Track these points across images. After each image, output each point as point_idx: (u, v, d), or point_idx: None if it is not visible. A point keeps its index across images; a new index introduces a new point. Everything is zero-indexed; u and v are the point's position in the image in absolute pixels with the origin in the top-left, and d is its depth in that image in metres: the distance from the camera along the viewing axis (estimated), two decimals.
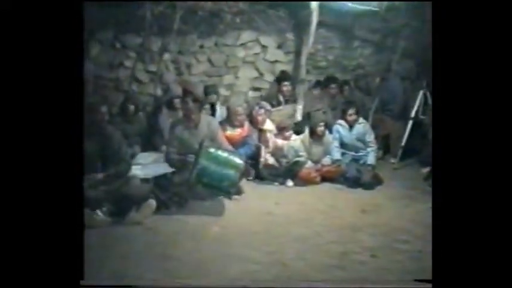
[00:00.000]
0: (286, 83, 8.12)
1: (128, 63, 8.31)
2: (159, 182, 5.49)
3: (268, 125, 6.97)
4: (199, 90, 7.75)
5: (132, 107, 6.69)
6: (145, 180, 5.38)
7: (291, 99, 8.13)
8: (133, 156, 5.83)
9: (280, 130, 6.78)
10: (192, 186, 5.24)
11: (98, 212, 4.72)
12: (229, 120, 6.75)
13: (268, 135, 6.79)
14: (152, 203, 4.86)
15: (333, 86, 8.45)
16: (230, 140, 6.20)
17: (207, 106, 7.14)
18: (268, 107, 7.31)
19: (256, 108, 7.13)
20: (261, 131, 6.85)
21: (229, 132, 6.54)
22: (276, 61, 9.29)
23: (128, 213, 4.78)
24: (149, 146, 6.59)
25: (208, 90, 7.82)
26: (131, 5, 8.13)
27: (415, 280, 3.57)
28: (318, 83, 8.83)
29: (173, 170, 5.61)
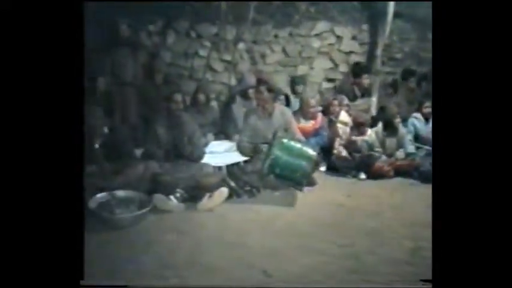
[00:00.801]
0: (365, 75, 7.94)
1: (202, 52, 8.39)
2: (231, 171, 5.53)
3: (343, 117, 6.86)
4: (272, 80, 7.72)
5: (203, 96, 6.73)
6: (218, 168, 5.43)
7: (367, 93, 7.97)
8: (206, 144, 5.89)
9: (356, 124, 6.65)
10: (264, 176, 5.22)
11: (171, 197, 4.79)
12: (302, 112, 6.69)
13: (343, 127, 6.68)
14: (224, 191, 4.90)
15: (412, 79, 8.21)
16: (303, 131, 6.16)
17: (282, 97, 7.10)
18: (346, 101, 7.20)
19: (333, 101, 7.03)
20: (335, 123, 6.74)
21: (302, 123, 6.48)
22: (351, 52, 9.15)
23: (200, 200, 4.83)
24: (222, 134, 6.63)
25: (296, 80, 7.77)
26: None
27: (421, 280, 3.47)
28: (394, 75, 8.64)
29: (245, 159, 5.63)
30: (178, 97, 5.28)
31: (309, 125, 6.53)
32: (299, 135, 5.78)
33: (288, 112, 6.12)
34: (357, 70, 8.12)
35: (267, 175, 5.19)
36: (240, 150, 5.69)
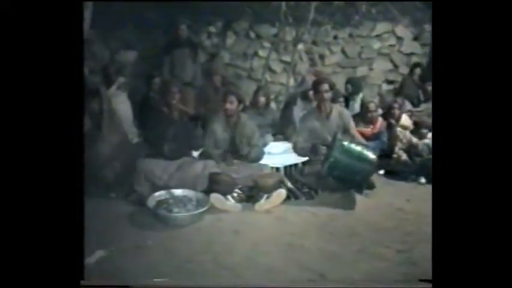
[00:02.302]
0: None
1: (262, 53, 8.41)
2: (289, 172, 5.51)
3: (404, 121, 6.71)
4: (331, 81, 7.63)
5: (263, 98, 6.71)
6: (275, 169, 5.41)
7: (430, 97, 7.77)
8: (265, 145, 5.87)
9: (418, 129, 6.48)
10: (323, 178, 5.16)
11: (229, 197, 4.81)
12: (362, 115, 6.57)
13: (403, 131, 6.53)
14: (282, 192, 4.86)
15: None
16: (362, 135, 6.05)
17: (341, 99, 7.01)
18: (409, 106, 7.04)
19: (394, 105, 6.89)
20: (395, 127, 6.60)
21: (362, 127, 6.36)
22: (412, 53, 8.99)
23: (258, 201, 4.82)
24: (280, 135, 6.60)
25: (355, 82, 7.65)
26: None
27: (421, 280, 3.41)
28: None
29: (303, 160, 5.59)
30: (232, 98, 5.27)
31: (368, 129, 6.41)
32: (358, 137, 5.67)
33: (346, 112, 6.02)
34: (426, 75, 7.90)
35: (326, 177, 5.12)
36: (297, 151, 5.64)
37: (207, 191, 4.83)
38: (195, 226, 4.43)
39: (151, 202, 4.61)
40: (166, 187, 4.88)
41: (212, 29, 8.51)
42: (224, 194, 4.78)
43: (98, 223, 4.48)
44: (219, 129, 5.34)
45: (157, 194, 4.75)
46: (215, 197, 4.71)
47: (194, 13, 8.04)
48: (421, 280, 3.39)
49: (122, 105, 6.33)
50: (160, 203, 4.66)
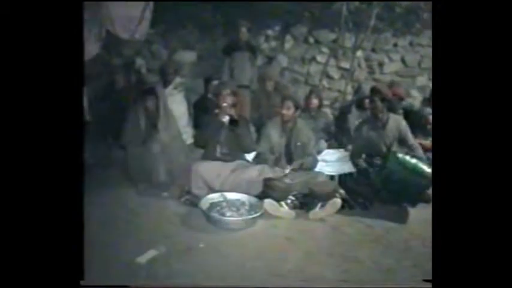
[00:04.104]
0: None
1: (320, 58, 8.33)
2: (344, 181, 5.40)
3: None
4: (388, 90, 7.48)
5: (316, 101, 6.62)
6: (331, 178, 5.32)
7: None
8: (320, 152, 5.79)
9: None
10: (378, 190, 5.05)
11: (283, 203, 4.75)
12: (421, 127, 6.38)
13: None
14: (338, 201, 4.76)
15: None
16: (422, 147, 5.87)
17: (401, 111, 6.83)
18: None
19: None
20: None
21: (421, 139, 6.17)
22: None
23: (312, 209, 4.74)
24: (335, 142, 6.49)
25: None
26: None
27: (424, 280, 3.36)
28: None
29: (358, 170, 5.48)
30: (289, 104, 5.21)
31: (428, 142, 6.22)
32: (416, 148, 5.51)
33: (405, 125, 5.85)
34: None
35: (380, 189, 5.01)
36: (353, 160, 5.53)
37: (261, 196, 4.78)
38: (248, 231, 4.39)
39: (204, 204, 4.60)
40: (220, 190, 4.86)
41: (270, 32, 8.49)
42: (278, 200, 4.72)
43: (151, 222, 4.53)
44: (274, 134, 5.29)
45: (210, 196, 4.74)
46: (269, 203, 4.66)
47: (252, 15, 8.02)
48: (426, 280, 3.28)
49: (178, 105, 6.36)
50: (213, 205, 4.65)
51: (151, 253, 3.90)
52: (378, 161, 5.26)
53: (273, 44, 8.48)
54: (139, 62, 7.38)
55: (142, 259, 3.82)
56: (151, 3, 6.89)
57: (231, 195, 4.79)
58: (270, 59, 8.35)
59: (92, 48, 6.57)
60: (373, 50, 8.57)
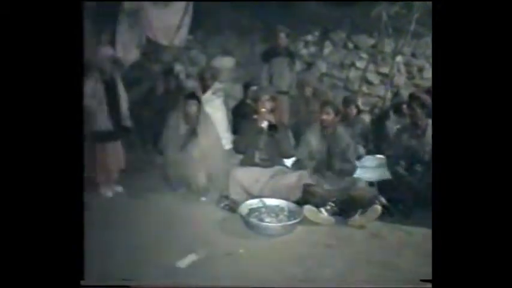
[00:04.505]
0: None
1: (359, 64, 8.26)
2: (384, 188, 5.32)
3: None
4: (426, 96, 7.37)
5: (353, 107, 6.56)
6: (370, 184, 5.25)
7: None
8: (358, 158, 5.73)
9: None
10: (418, 197, 4.95)
11: (322, 210, 4.71)
12: None
13: None
14: (378, 208, 4.69)
15: None
16: None
17: None
18: None
19: None
20: None
21: None
22: None
23: (351, 215, 4.69)
24: (373, 149, 6.43)
25: None
26: (367, 5, 8.05)
27: (421, 280, 3.35)
28: None
29: (398, 177, 5.38)
30: (329, 109, 5.18)
31: None
32: None
33: None
34: None
35: (421, 196, 4.91)
36: (392, 167, 5.44)
37: (300, 202, 4.75)
38: (287, 237, 4.37)
39: (243, 210, 4.60)
40: (259, 196, 4.85)
41: (309, 38, 8.47)
42: (317, 207, 4.69)
43: (190, 227, 4.55)
44: (313, 140, 5.25)
45: (249, 202, 4.74)
46: (308, 209, 4.62)
47: (291, 21, 8.01)
48: (421, 280, 3.33)
49: (217, 110, 6.39)
50: (252, 211, 4.65)
51: (191, 258, 3.92)
52: (418, 168, 5.17)
53: (312, 49, 8.46)
54: (178, 67, 7.47)
55: (182, 263, 3.84)
56: (190, 11, 6.97)
57: (270, 201, 4.78)
58: (309, 65, 8.33)
59: (132, 54, 6.69)
60: (413, 55, 8.46)
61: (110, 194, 5.40)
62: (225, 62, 8.44)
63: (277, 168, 5.16)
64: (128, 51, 6.81)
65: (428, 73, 8.46)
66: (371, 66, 8.18)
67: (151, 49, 7.49)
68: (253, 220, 4.46)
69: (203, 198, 5.22)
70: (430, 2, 7.08)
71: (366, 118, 7.29)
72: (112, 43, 6.55)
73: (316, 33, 8.58)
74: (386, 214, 4.87)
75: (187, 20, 7.20)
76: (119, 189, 5.51)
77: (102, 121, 5.15)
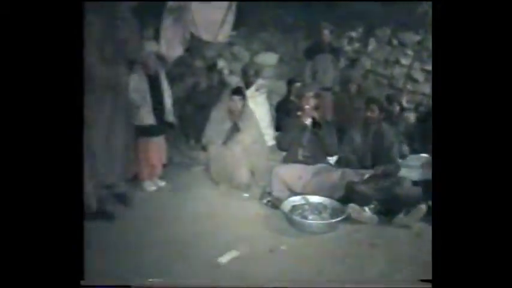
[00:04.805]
0: None
1: (404, 61, 8.12)
2: (428, 187, 5.20)
3: None
4: None
5: (396, 105, 6.45)
6: (415, 184, 5.14)
7: None
8: (403, 157, 5.63)
9: None
10: None
11: (366, 208, 4.63)
12: None
13: None
14: (423, 208, 4.58)
15: None
16: None
17: None
18: None
19: None
20: None
21: None
22: None
23: (396, 215, 4.59)
24: (419, 147, 6.30)
25: None
26: (412, 2, 7.92)
27: (421, 280, 3.31)
28: None
29: None
30: (374, 106, 5.10)
31: None
32: None
33: None
34: None
35: None
36: None
37: (343, 200, 4.69)
38: (330, 235, 4.31)
39: (286, 206, 4.58)
40: (302, 193, 4.81)
41: (353, 34, 8.37)
42: (361, 205, 4.61)
43: (232, 223, 4.55)
44: (357, 137, 5.19)
45: (292, 199, 4.71)
46: (352, 207, 4.55)
47: (335, 17, 7.93)
48: (421, 280, 3.30)
49: (260, 107, 6.39)
50: (295, 208, 4.61)
51: (232, 253, 3.91)
52: None
53: (356, 46, 8.36)
54: (222, 63, 7.48)
55: (224, 259, 3.83)
56: (233, 7, 6.97)
57: (313, 198, 4.74)
58: (353, 61, 8.23)
59: (176, 50, 6.73)
60: None
61: (153, 188, 5.44)
62: (268, 59, 8.42)
63: (320, 165, 5.10)
64: (171, 47, 6.84)
65: None
66: (416, 64, 8.02)
67: (194, 45, 7.52)
68: (296, 217, 4.43)
69: (245, 194, 5.21)
70: None
71: (411, 116, 7.14)
72: (156, 39, 6.60)
73: (360, 30, 8.48)
74: (432, 213, 4.75)
75: (231, 16, 7.19)
76: (162, 183, 5.55)
77: (146, 116, 5.18)
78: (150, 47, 5.38)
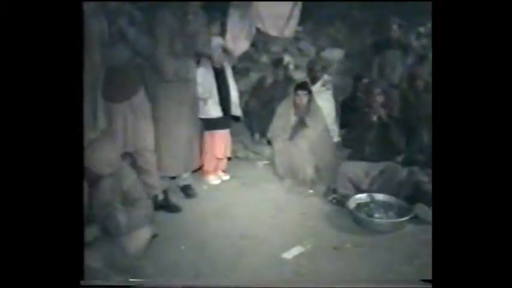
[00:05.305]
0: None
1: None
2: None
3: None
4: None
5: None
6: None
7: None
8: None
9: None
10: None
11: None
12: None
13: None
14: None
15: None
16: None
17: None
18: None
19: None
20: None
21: None
22: None
23: None
24: None
25: None
26: None
27: (421, 280, 3.20)
28: None
29: None
30: None
31: None
32: None
33: None
34: None
35: None
36: None
37: (410, 200, 4.57)
38: (396, 234, 4.22)
39: (351, 204, 4.51)
40: (368, 191, 4.73)
41: (422, 29, 8.14)
42: (429, 205, 4.47)
43: (296, 219, 4.53)
44: (425, 135, 5.06)
45: (357, 196, 4.64)
46: (420, 207, 4.42)
47: (404, 12, 7.74)
48: (421, 280, 3.21)
49: (326, 102, 6.31)
50: (360, 206, 4.54)
51: (297, 249, 3.90)
52: None
53: (424, 41, 8.12)
54: (288, 59, 7.43)
55: (289, 255, 3.83)
56: (300, 2, 6.92)
57: (380, 197, 4.65)
58: (421, 57, 8.01)
59: (241, 45, 6.74)
60: None
61: (217, 182, 5.47)
62: (335, 54, 8.31)
63: (387, 163, 4.99)
64: (237, 41, 6.84)
65: None
66: None
67: (260, 40, 7.51)
68: (362, 215, 4.36)
69: (310, 190, 5.17)
70: None
71: None
72: (222, 34, 6.63)
73: (429, 25, 8.24)
74: None
75: (297, 11, 7.14)
76: (226, 177, 5.58)
77: (212, 109, 5.22)
78: (217, 41, 5.40)
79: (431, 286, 2.42)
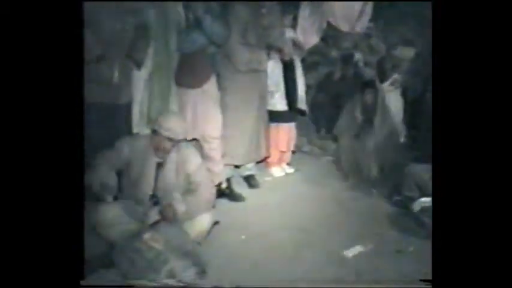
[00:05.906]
0: None
1: None
2: None
3: None
4: None
5: None
6: None
7: None
8: None
9: None
10: None
11: None
12: None
13: None
14: None
15: None
16: None
17: None
18: None
19: None
20: None
21: None
22: None
23: None
24: None
25: None
26: None
27: (421, 280, 3.22)
28: None
29: None
30: None
31: None
32: None
33: None
34: None
35: None
36: None
37: None
38: None
39: (416, 207, 4.42)
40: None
41: None
42: None
43: (359, 218, 4.49)
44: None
45: (423, 199, 4.53)
46: None
47: None
48: (421, 280, 3.23)
49: (394, 102, 6.22)
50: (425, 209, 4.44)
51: (358, 248, 3.86)
52: None
53: None
54: (358, 55, 7.35)
55: (349, 253, 3.80)
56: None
57: None
58: None
59: (311, 39, 6.70)
60: None
61: (281, 174, 5.49)
62: (406, 53, 8.15)
63: None
64: (307, 35, 6.81)
65: None
66: None
67: (331, 35, 7.45)
68: (427, 219, 4.26)
69: (374, 190, 5.10)
70: None
71: None
72: (293, 27, 6.61)
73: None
74: None
75: (369, 8, 7.05)
76: (290, 170, 5.59)
77: (279, 101, 5.23)
78: (287, 34, 5.40)
79: (431, 286, 2.42)
